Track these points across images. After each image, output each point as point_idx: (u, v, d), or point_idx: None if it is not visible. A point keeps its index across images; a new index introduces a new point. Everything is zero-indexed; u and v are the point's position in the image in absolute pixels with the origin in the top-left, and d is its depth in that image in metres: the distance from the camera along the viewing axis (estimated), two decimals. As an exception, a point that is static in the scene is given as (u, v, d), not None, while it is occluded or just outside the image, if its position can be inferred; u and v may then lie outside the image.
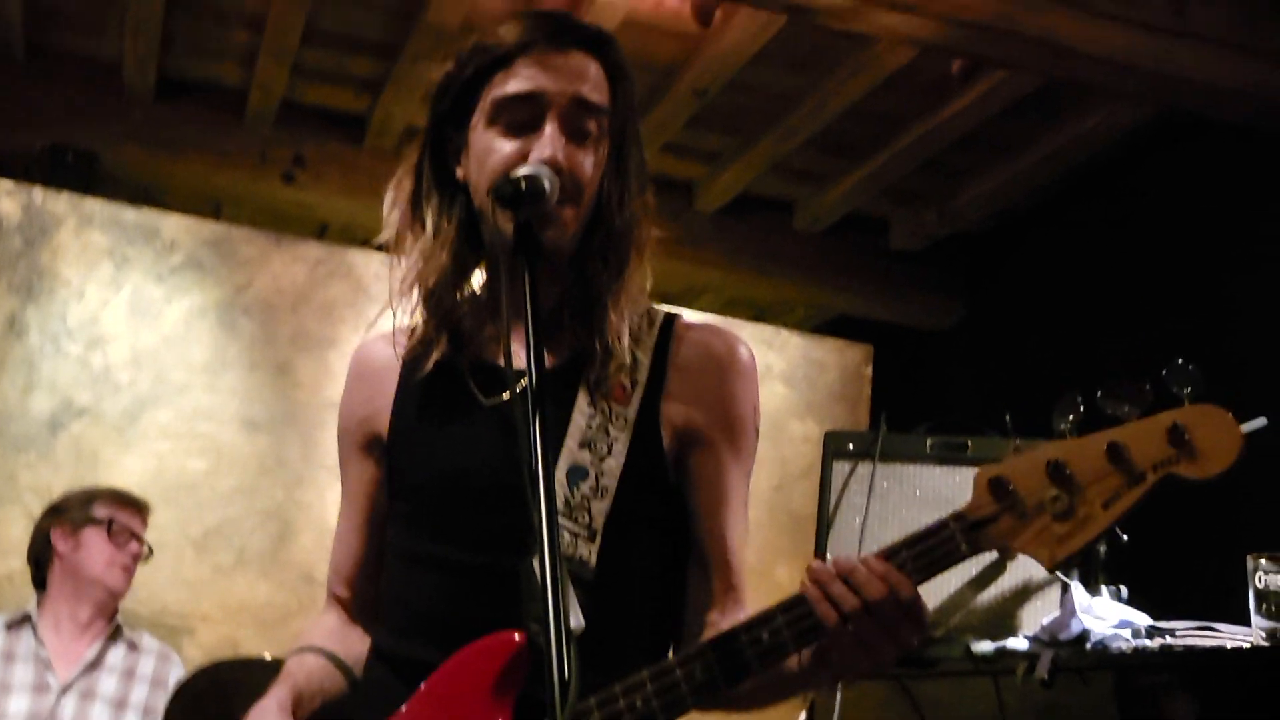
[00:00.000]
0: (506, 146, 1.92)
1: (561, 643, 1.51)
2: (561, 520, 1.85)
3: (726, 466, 2.00)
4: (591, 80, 1.96)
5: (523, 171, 1.86)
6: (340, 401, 2.15)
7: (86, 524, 4.22)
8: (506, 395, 1.89)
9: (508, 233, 1.86)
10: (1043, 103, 5.33)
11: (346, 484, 2.13)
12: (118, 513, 4.28)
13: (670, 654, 1.98)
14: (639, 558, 1.95)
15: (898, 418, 4.19)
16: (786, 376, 5.94)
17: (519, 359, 1.91)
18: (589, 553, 1.87)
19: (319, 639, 2.08)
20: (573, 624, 1.56)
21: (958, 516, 1.72)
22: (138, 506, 4.36)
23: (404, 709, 1.85)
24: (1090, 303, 5.60)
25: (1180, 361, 1.70)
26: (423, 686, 1.85)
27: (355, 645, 2.07)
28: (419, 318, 2.02)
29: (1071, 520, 1.67)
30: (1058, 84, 5.00)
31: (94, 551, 4.20)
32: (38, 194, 5.25)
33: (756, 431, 2.07)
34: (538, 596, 1.54)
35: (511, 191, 1.84)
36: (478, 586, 1.87)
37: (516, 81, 1.93)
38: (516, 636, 1.77)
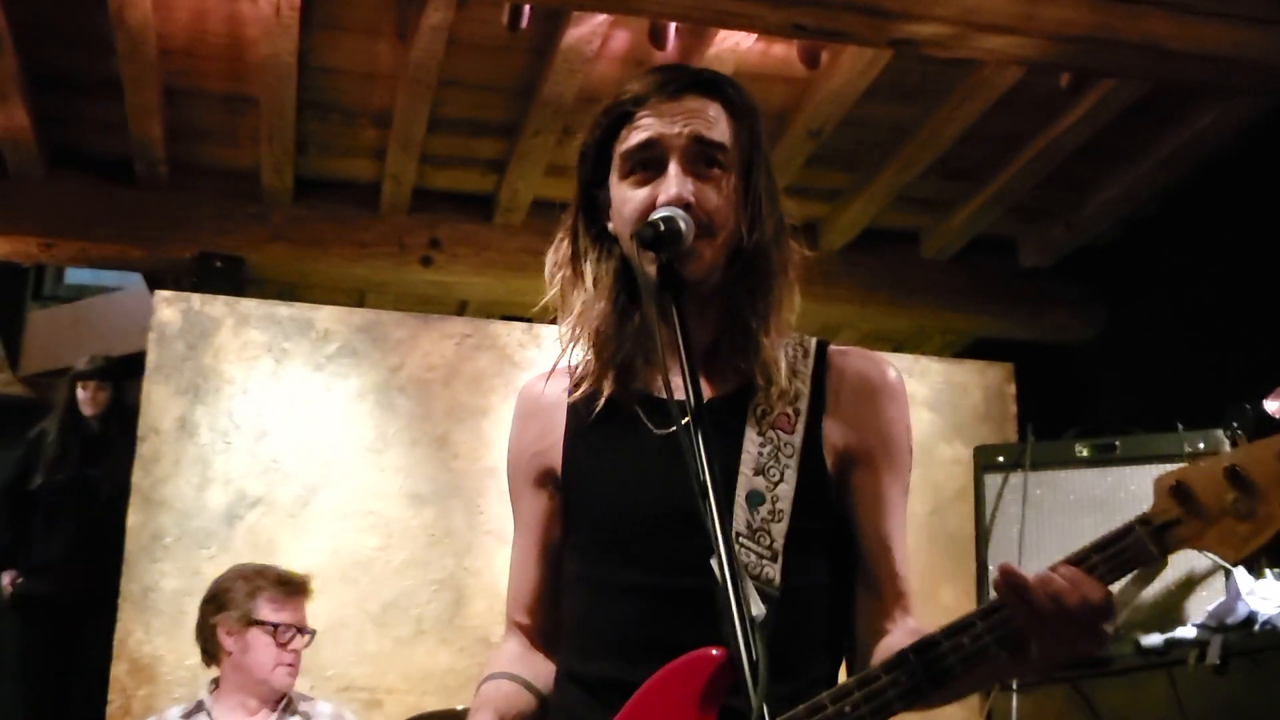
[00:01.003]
0: (639, 194, 2.05)
1: (747, 630, 1.61)
2: (746, 542, 1.98)
3: (886, 483, 2.10)
4: (708, 119, 2.08)
5: (659, 215, 1.98)
6: (510, 438, 2.26)
7: (252, 625, 4.26)
8: (674, 427, 1.96)
9: (652, 273, 1.97)
10: (1155, 105, 5.36)
11: (520, 517, 2.24)
12: (282, 611, 4.31)
13: (844, 668, 2.10)
14: (816, 574, 2.05)
15: (1045, 431, 4.24)
16: (931, 402, 5.98)
17: (681, 391, 2.05)
18: (774, 573, 1.97)
19: (506, 665, 2.17)
20: (754, 610, 1.65)
21: (1144, 521, 1.81)
22: (301, 592, 4.41)
23: None
24: (1231, 299, 5.58)
25: None
26: (628, 705, 1.93)
27: (540, 669, 2.17)
28: (581, 358, 2.14)
29: (1254, 520, 1.76)
30: (1167, 86, 5.03)
31: (261, 654, 4.24)
32: (195, 299, 5.51)
33: (910, 450, 2.16)
34: (758, 641, 1.65)
35: (651, 234, 1.95)
36: (665, 607, 1.97)
37: (638, 132, 2.07)
38: (715, 651, 1.85)
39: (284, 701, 4.32)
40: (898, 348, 6.93)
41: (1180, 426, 3.51)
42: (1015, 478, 3.94)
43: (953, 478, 5.50)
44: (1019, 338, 6.69)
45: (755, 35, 4.79)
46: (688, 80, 2.11)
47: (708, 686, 1.88)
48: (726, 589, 1.65)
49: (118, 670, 5.05)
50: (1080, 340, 6.65)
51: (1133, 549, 1.79)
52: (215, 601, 4.35)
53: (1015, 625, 1.79)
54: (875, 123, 5.58)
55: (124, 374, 6.84)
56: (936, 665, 1.83)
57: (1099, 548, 1.80)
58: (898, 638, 2.01)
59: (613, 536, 2.08)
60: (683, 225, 1.97)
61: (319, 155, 5.89)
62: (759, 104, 4.45)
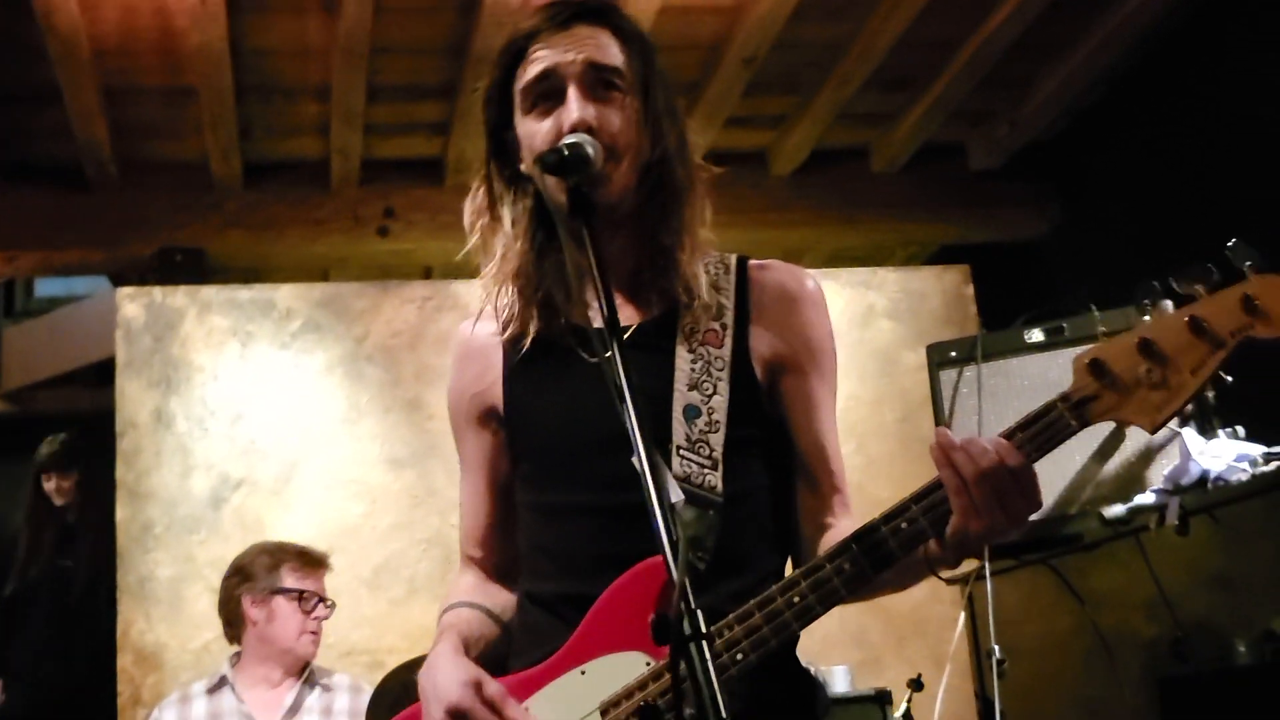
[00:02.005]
0: (544, 125, 2.10)
1: (668, 516, 1.68)
2: (687, 454, 2.06)
3: (814, 386, 2.20)
4: (600, 44, 2.13)
5: (566, 140, 2.03)
6: (450, 383, 2.34)
7: (276, 593, 4.37)
8: (608, 353, 2.05)
9: (563, 200, 2.01)
10: (1082, -7, 5.38)
11: (466, 457, 2.32)
12: (305, 580, 4.43)
13: (790, 563, 2.19)
14: (753, 478, 2.14)
15: (1007, 326, 4.29)
16: (890, 312, 6.04)
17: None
18: (715, 480, 2.06)
19: (465, 595, 2.26)
20: (673, 498, 1.72)
21: (1064, 398, 1.89)
22: (320, 565, 4.52)
23: (575, 636, 2.04)
24: (1182, 180, 5.61)
25: (1237, 241, 1.87)
26: (586, 617, 2.03)
27: (498, 598, 2.25)
28: (510, 299, 2.19)
29: (1166, 389, 1.85)
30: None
31: (287, 623, 4.37)
32: (157, 292, 5.56)
33: (834, 353, 2.24)
34: (678, 523, 1.71)
35: (555, 159, 1.99)
36: (612, 524, 2.05)
37: (533, 66, 2.12)
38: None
39: (305, 674, 4.41)
40: (862, 264, 6.97)
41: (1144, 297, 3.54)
42: (970, 371, 4.01)
43: (919, 384, 5.53)
44: (976, 240, 6.73)
45: (678, -32, 4.82)
46: (575, 10, 2.16)
47: (661, 593, 1.96)
48: (644, 478, 1.71)
49: (124, 662, 5.14)
50: (1037, 237, 6.69)
51: (1054, 424, 1.88)
52: (240, 574, 4.46)
53: (946, 506, 1.87)
54: (808, 43, 5.60)
55: (90, 451, 6.28)
56: (877, 550, 1.91)
57: (1023, 425, 1.89)
58: (839, 531, 2.11)
59: (557, 463, 2.16)
60: (590, 150, 2.01)
61: (265, 138, 5.93)
62: (692, 37, 4.49)
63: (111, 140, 5.64)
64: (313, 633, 4.41)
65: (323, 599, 4.47)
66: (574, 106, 2.08)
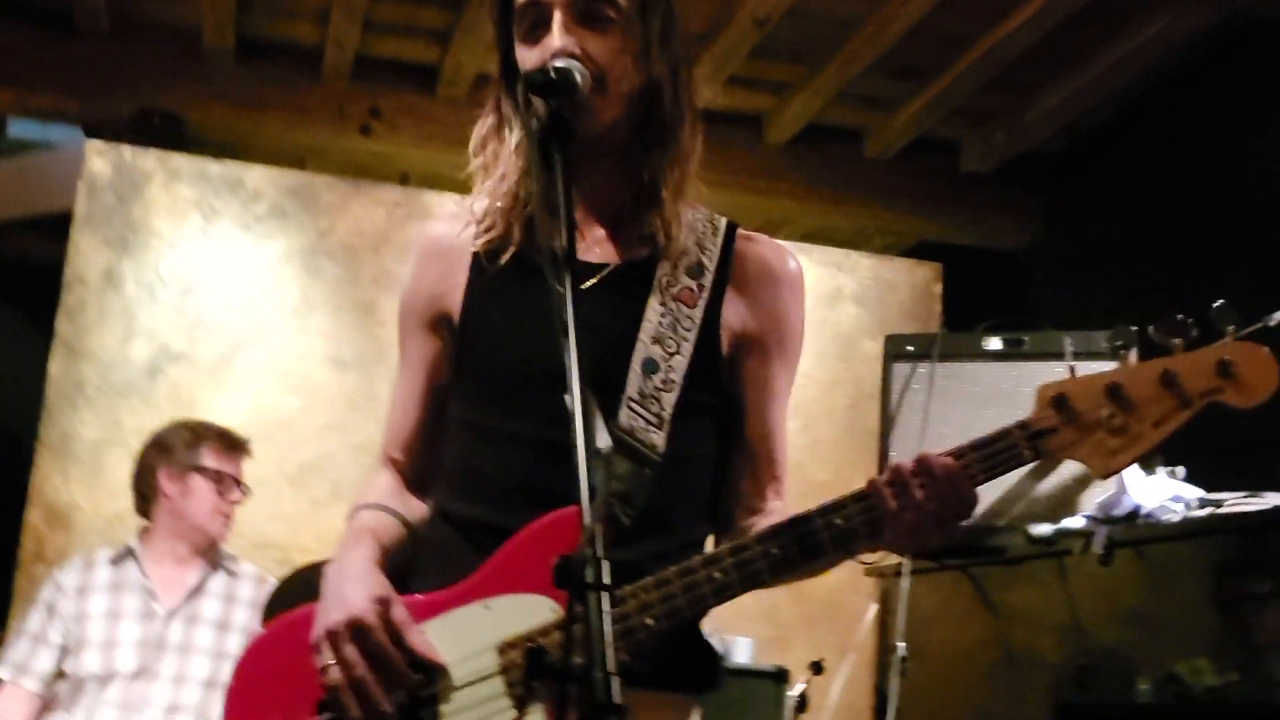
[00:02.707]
0: (532, 54, 2.06)
1: (590, 459, 1.64)
2: (636, 408, 2.04)
3: (775, 371, 2.18)
4: None
5: (556, 63, 1.98)
6: (409, 278, 2.28)
7: (194, 470, 4.34)
8: (585, 285, 2.02)
9: (544, 121, 1.95)
10: (1104, 12, 5.33)
11: (408, 356, 2.26)
12: (224, 463, 4.40)
13: (712, 539, 2.18)
14: (698, 445, 2.12)
15: (970, 330, 4.28)
16: (857, 297, 6.02)
17: (591, 250, 2.10)
18: (658, 439, 2.04)
19: (382, 498, 2.21)
20: (599, 445, 1.68)
21: (1022, 425, 1.89)
22: (240, 450, 4.49)
23: (486, 568, 2.00)
24: (1168, 215, 5.60)
25: (1222, 302, 1.86)
26: (500, 551, 1.99)
27: (411, 506, 2.21)
28: (495, 211, 2.14)
29: (1125, 436, 1.86)
30: (1116, -9, 5.01)
31: (200, 500, 4.34)
32: (127, 152, 5.47)
33: (802, 340, 2.23)
34: (612, 472, 1.67)
35: (541, 79, 1.95)
36: (545, 458, 2.00)
37: None
38: None
39: (212, 557, 4.38)
40: (838, 246, 6.95)
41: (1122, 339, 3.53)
42: (924, 368, 3.99)
43: (874, 373, 5.49)
44: (956, 241, 6.71)
45: (703, -84, 4.75)
46: None
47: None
48: (574, 419, 1.67)
49: (33, 516, 5.08)
50: (1016, 247, 6.68)
51: (1007, 451, 1.88)
52: (159, 447, 4.42)
53: (884, 511, 1.88)
54: (822, 15, 5.54)
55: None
56: (808, 540, 1.91)
57: (976, 446, 1.89)
58: (767, 516, 2.12)
59: (502, 386, 2.11)
60: (578, 78, 1.98)
61: (262, 16, 5.81)
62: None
63: (108, -8, 5.53)
64: (225, 514, 4.39)
65: (239, 483, 4.44)
66: (555, 35, 2.04)
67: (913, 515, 1.85)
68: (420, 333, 2.23)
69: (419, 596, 2.03)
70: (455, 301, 2.17)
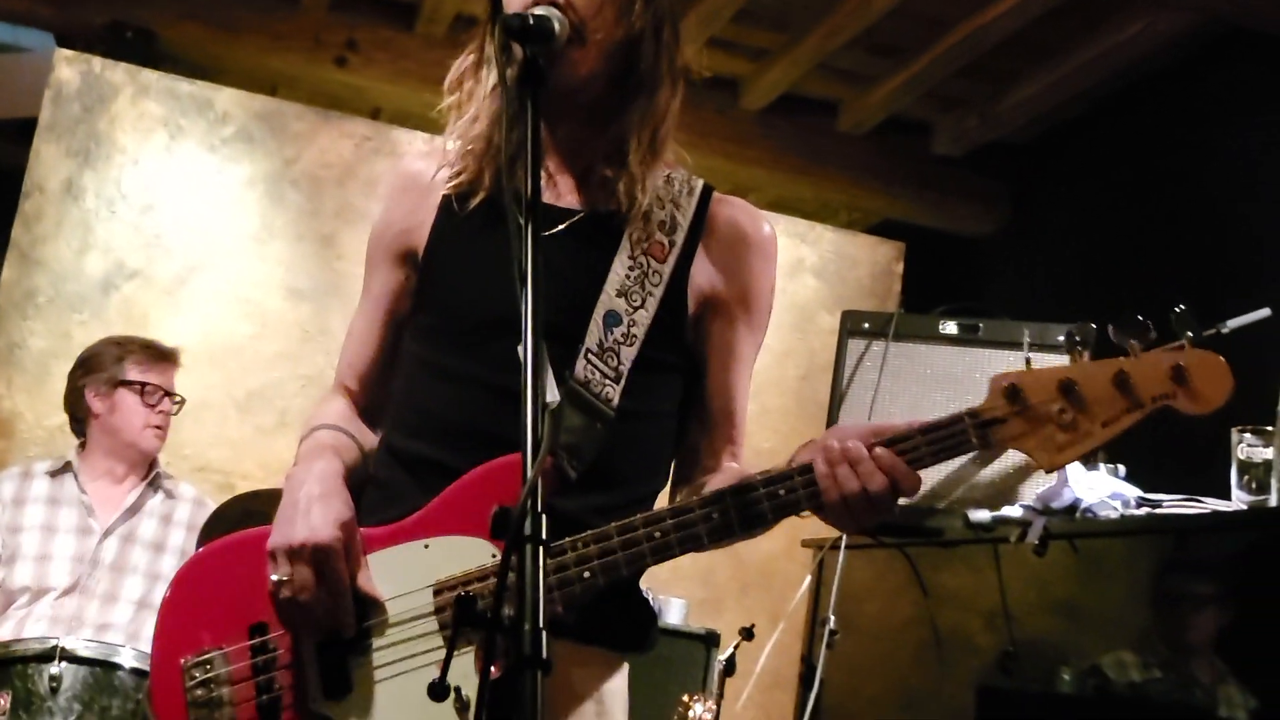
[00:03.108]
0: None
1: (537, 413, 1.63)
2: (594, 360, 2.02)
3: (740, 334, 2.16)
4: None
5: (535, 10, 1.95)
6: (380, 212, 2.27)
7: (119, 385, 4.32)
8: (551, 231, 2.00)
9: (518, 66, 1.92)
10: (1085, 7, 5.36)
11: (370, 289, 2.25)
12: (149, 373, 4.36)
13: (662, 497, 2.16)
14: (655, 402, 2.10)
15: (927, 311, 4.30)
16: (818, 270, 6.04)
17: (562, 198, 2.09)
18: (614, 393, 2.02)
19: (334, 419, 2.19)
20: (549, 398, 1.68)
21: (972, 413, 1.88)
22: (168, 360, 4.44)
23: (430, 507, 2.00)
24: (1132, 213, 5.65)
25: (1183, 308, 1.86)
26: (445, 492, 1.99)
27: (365, 436, 2.20)
28: (468, 153, 2.12)
29: (1073, 432, 1.85)
30: (1098, -13, 5.03)
31: (129, 414, 4.31)
32: (97, 63, 5.41)
33: (770, 308, 2.21)
34: (561, 425, 1.67)
35: (518, 24, 1.91)
36: (495, 401, 1.99)
37: None
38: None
39: (150, 476, 4.36)
40: (805, 218, 6.96)
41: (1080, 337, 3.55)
42: (878, 345, 4.01)
43: (828, 346, 5.52)
44: (921, 222, 6.74)
45: (695, -128, 4.72)
46: None
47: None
48: (525, 373, 1.67)
49: (-26, 422, 5.04)
50: (979, 234, 6.71)
51: (957, 437, 1.87)
52: (84, 366, 4.39)
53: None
54: (807, -16, 5.55)
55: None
56: (750, 509, 1.91)
57: (925, 430, 1.88)
58: (721, 478, 2.09)
59: (458, 326, 2.10)
60: (555, 25, 1.95)
61: (245, -62, 5.76)
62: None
63: (89, -99, 5.45)
64: (157, 426, 4.35)
65: (169, 394, 4.40)
66: None
67: (854, 508, 1.85)
68: (385, 265, 2.22)
69: (362, 530, 2.03)
70: (422, 238, 2.17)
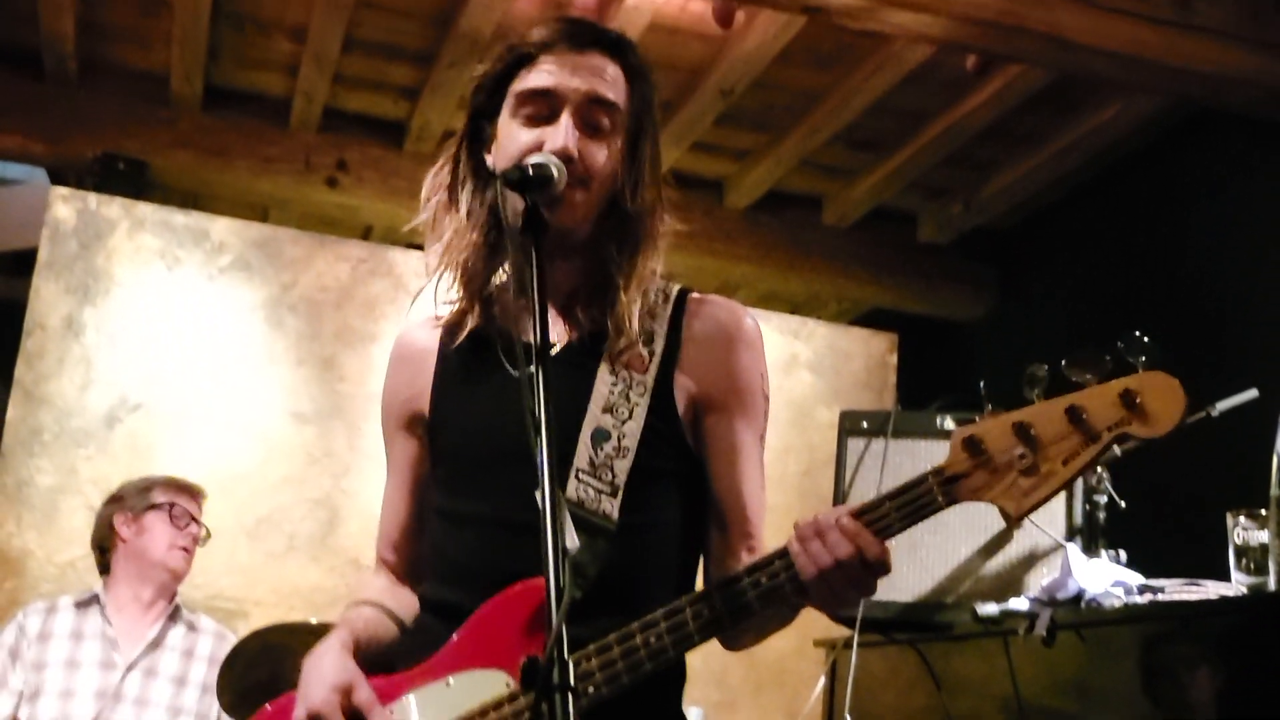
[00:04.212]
0: (525, 136, 2.10)
1: (557, 559, 1.68)
2: (587, 478, 2.05)
3: (737, 428, 2.17)
4: (608, 79, 2.13)
5: (533, 159, 2.03)
6: (385, 383, 2.33)
7: (147, 509, 4.39)
8: (530, 369, 2.04)
9: (518, 214, 2.00)
10: (1060, 95, 5.48)
11: (391, 458, 2.32)
12: (176, 497, 4.45)
13: None
14: (658, 511, 2.12)
15: (924, 404, 4.34)
16: (813, 365, 6.10)
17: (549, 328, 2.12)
18: (611, 507, 2.04)
19: (371, 594, 2.26)
20: (568, 544, 1.73)
21: (936, 471, 1.88)
22: (194, 492, 4.54)
23: (445, 647, 2.04)
24: (1119, 292, 5.72)
25: (1136, 334, 1.86)
26: (462, 629, 2.03)
27: (405, 600, 2.25)
28: (455, 289, 2.18)
29: (1036, 475, 1.82)
30: (1072, 77, 5.13)
31: (155, 535, 4.38)
32: (92, 199, 5.48)
33: (766, 396, 2.23)
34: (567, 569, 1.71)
35: (519, 177, 1.99)
36: (506, 539, 2.04)
37: (537, 76, 2.12)
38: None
39: (173, 609, 4.40)
40: (794, 310, 7.04)
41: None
42: (878, 444, 4.05)
43: (828, 441, 5.56)
44: (910, 310, 6.82)
45: (673, -11, 4.84)
46: (595, 37, 2.17)
47: (534, 615, 1.97)
48: (544, 519, 1.72)
49: (-16, 562, 5.06)
50: (968, 319, 6.79)
51: (923, 497, 1.87)
52: (113, 500, 4.51)
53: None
54: (786, 86, 5.66)
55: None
56: (736, 600, 1.92)
57: (892, 495, 1.89)
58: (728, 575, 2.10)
59: (465, 469, 2.16)
60: (554, 172, 2.01)
61: (231, 65, 5.86)
62: (674, 59, 4.44)
63: (77, 36, 5.54)
64: (183, 548, 4.41)
65: (196, 519, 4.48)
66: (563, 132, 2.08)
67: (830, 581, 1.86)
68: (399, 435, 2.29)
69: (390, 677, 2.08)
70: (425, 401, 2.23)
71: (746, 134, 6.10)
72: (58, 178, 6.36)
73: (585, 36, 2.15)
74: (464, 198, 2.18)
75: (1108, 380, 1.81)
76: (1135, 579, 3.44)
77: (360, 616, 2.20)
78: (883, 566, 1.87)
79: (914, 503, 1.87)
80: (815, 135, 5.91)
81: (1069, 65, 4.85)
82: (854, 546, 1.84)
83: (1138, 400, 1.79)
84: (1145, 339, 1.86)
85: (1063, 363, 1.88)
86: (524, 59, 2.14)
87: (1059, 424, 1.81)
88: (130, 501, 4.43)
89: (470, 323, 2.17)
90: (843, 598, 1.89)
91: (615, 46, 2.18)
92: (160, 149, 5.97)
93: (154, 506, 4.41)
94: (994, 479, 1.84)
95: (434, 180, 2.23)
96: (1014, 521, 1.89)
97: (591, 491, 2.04)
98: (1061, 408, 1.81)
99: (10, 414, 5.18)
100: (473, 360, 2.17)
